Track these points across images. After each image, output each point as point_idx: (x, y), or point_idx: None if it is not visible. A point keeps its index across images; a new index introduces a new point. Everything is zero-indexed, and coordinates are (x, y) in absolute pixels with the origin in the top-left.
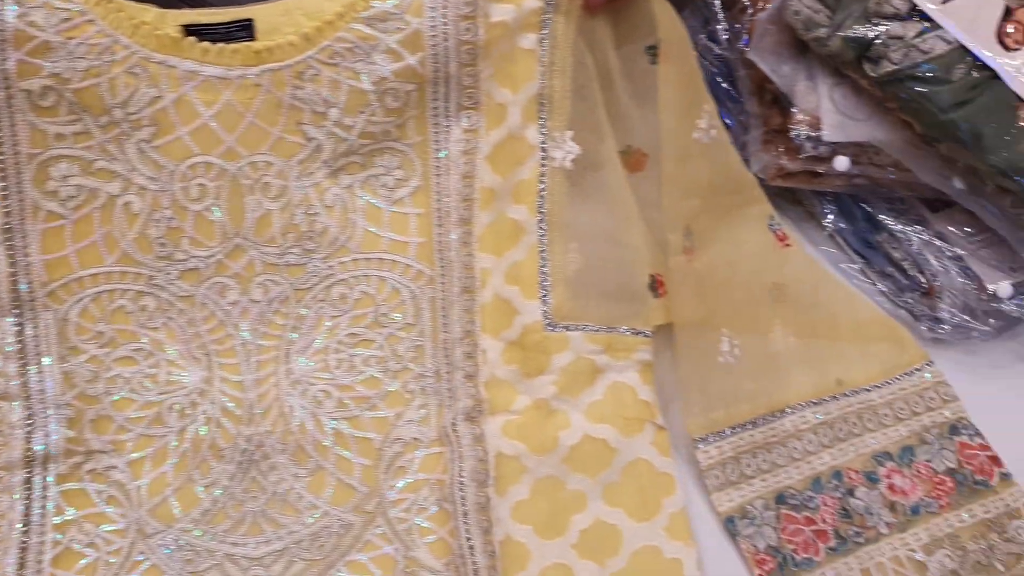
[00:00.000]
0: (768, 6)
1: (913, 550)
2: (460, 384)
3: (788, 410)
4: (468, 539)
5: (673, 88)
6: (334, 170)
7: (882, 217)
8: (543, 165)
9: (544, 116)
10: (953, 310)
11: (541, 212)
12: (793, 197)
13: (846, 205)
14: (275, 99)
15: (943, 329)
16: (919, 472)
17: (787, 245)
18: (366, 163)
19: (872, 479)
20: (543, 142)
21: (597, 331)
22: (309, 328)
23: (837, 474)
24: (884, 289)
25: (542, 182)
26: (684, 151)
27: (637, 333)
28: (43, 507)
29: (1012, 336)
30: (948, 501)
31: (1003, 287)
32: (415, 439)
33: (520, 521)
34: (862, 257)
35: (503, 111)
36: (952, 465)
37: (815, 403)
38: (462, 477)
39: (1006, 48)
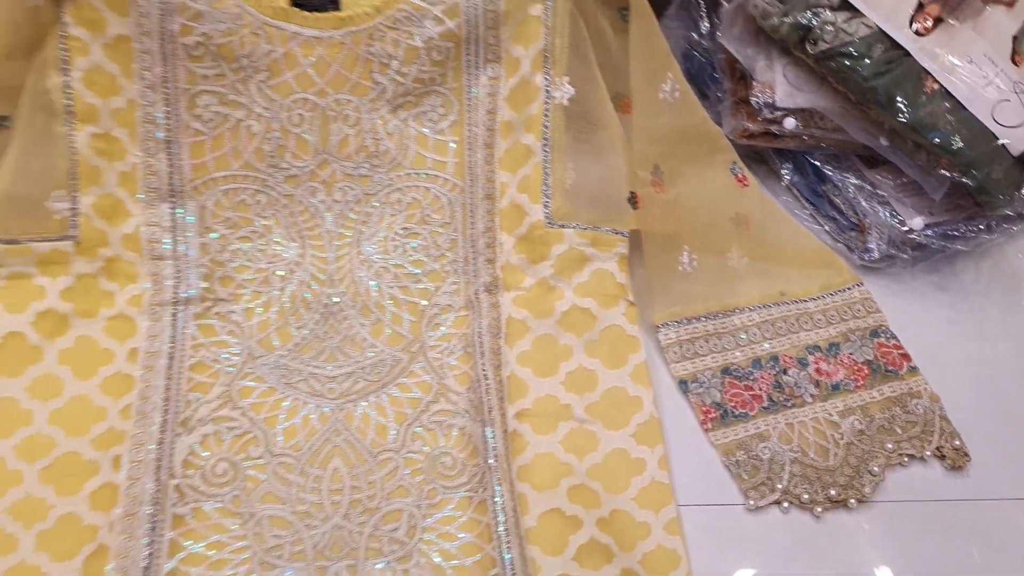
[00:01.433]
0: None
1: (830, 414)
2: (482, 266)
3: (736, 311)
4: (483, 372)
5: (639, 59)
6: (394, 107)
7: (827, 170)
8: (546, 103)
9: (548, 66)
10: (879, 242)
11: (545, 139)
12: (760, 157)
13: (799, 162)
14: (354, 54)
15: (872, 257)
16: (842, 361)
17: (745, 185)
18: (418, 102)
19: (802, 363)
20: (547, 85)
21: (586, 229)
22: (374, 223)
23: (774, 358)
24: (828, 229)
25: (546, 116)
26: (651, 108)
27: (617, 233)
28: (184, 333)
29: (932, 270)
30: (863, 383)
31: (916, 222)
32: (448, 305)
33: (522, 365)
34: (812, 204)
35: (518, 63)
36: (870, 357)
37: (760, 307)
38: (480, 330)
39: (917, 34)
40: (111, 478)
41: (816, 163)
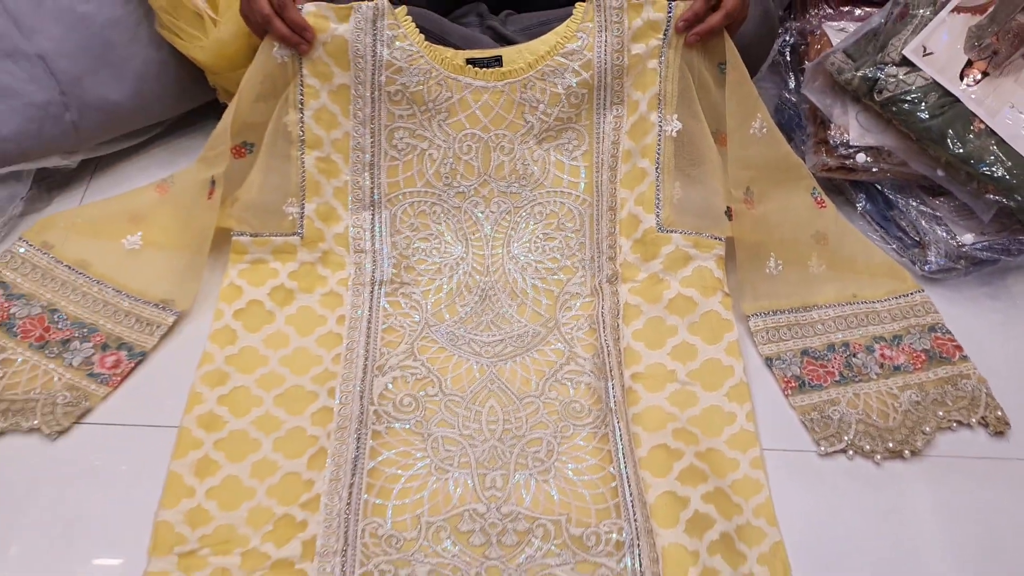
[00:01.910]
0: (817, 58)
1: (891, 388)
2: (605, 263)
3: (815, 308)
4: (605, 343)
5: (734, 102)
6: (539, 140)
7: (893, 197)
8: (659, 135)
9: (661, 107)
10: (938, 256)
11: (658, 163)
12: (837, 189)
13: (871, 192)
14: (510, 99)
15: (931, 268)
16: (903, 349)
17: (823, 207)
18: (557, 136)
19: (870, 350)
20: (660, 121)
21: (689, 234)
22: (521, 229)
23: (845, 344)
24: (895, 247)
25: (659, 145)
26: (744, 141)
27: (715, 238)
28: (378, 305)
29: (985, 282)
30: (921, 366)
31: (967, 238)
32: (577, 293)
33: (636, 339)
34: (882, 227)
35: (637, 104)
36: (927, 347)
37: (835, 306)
38: (603, 312)
39: (965, 84)
40: (327, 403)
41: (885, 192)
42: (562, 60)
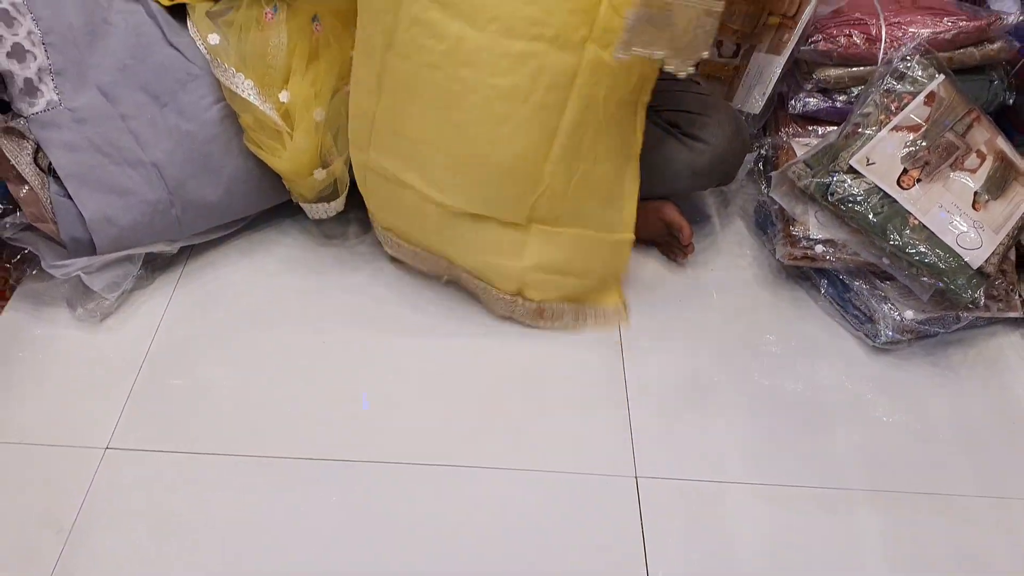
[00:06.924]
0: (781, 168)
1: None
2: None
3: None
4: None
5: None
6: None
7: (849, 282)
8: None
9: None
10: (886, 330)
11: None
12: (804, 275)
13: (831, 277)
14: None
15: (881, 341)
16: None
17: None
18: None
19: None
20: None
21: None
22: None
23: None
24: (851, 322)
25: None
26: None
27: None
28: None
29: (928, 352)
30: None
31: (907, 315)
32: None
33: None
34: (840, 306)
35: None
36: None
37: None
38: None
39: (902, 188)
40: None
41: (841, 277)
42: None
